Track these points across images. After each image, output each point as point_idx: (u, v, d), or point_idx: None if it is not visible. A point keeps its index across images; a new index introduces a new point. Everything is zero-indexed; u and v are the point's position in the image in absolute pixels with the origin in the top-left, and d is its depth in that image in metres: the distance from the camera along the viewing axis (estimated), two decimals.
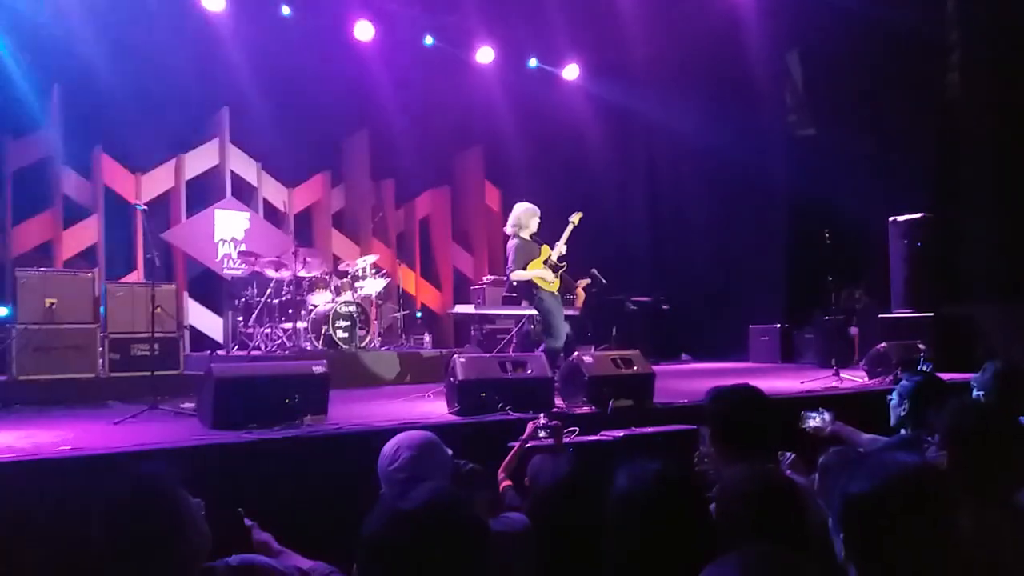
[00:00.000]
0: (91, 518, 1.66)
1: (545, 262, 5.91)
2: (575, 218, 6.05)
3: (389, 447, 2.35)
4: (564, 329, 5.85)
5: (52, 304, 6.61)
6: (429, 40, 10.00)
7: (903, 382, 3.24)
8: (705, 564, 1.21)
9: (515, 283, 5.97)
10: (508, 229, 6.03)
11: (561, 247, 5.97)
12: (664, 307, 10.09)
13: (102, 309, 7.02)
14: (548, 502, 1.95)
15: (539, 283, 5.87)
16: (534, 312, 7.18)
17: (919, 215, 7.91)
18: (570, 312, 7.38)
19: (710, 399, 2.45)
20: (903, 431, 3.14)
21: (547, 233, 6.13)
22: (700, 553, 1.42)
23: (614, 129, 11.22)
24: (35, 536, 3.01)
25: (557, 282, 5.97)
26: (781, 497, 1.71)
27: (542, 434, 3.46)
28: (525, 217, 5.96)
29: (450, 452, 2.41)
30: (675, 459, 2.10)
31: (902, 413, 3.14)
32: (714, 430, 2.37)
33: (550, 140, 10.88)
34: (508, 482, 3.09)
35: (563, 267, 6.00)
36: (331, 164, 10.43)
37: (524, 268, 5.87)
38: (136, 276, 8.44)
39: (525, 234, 5.95)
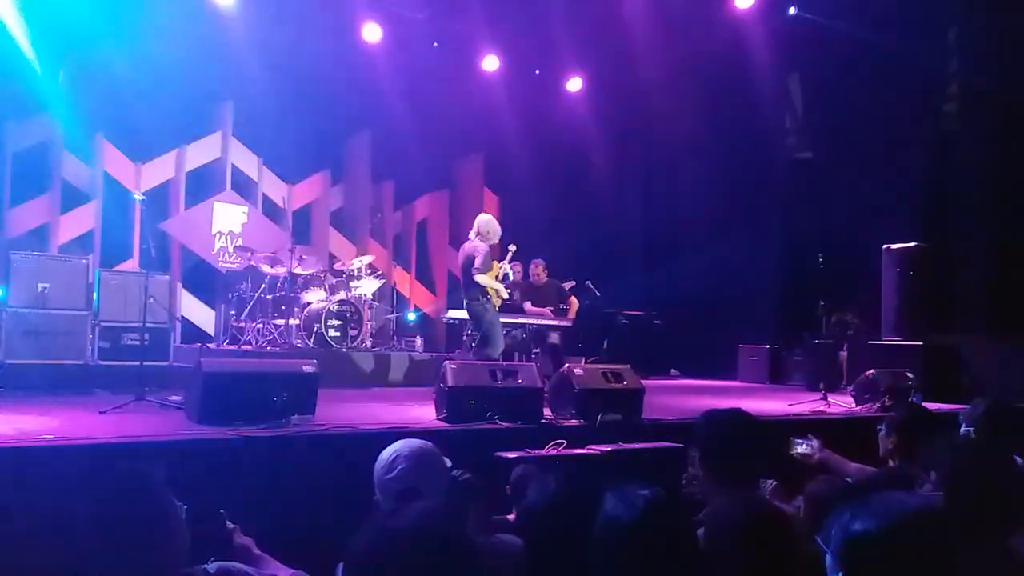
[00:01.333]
0: (74, 512, 1.65)
1: (496, 277, 6.10)
2: (512, 247, 6.32)
3: (387, 454, 2.25)
4: (502, 343, 6.05)
5: (44, 288, 6.59)
6: (436, 45, 10.03)
7: (892, 413, 3.25)
8: None
9: (479, 284, 6.03)
10: (475, 235, 6.11)
11: (507, 267, 6.20)
12: (656, 322, 10.12)
13: (95, 296, 6.99)
14: (536, 518, 1.94)
15: (493, 295, 6.02)
16: (526, 321, 7.24)
17: (912, 244, 7.96)
18: (563, 323, 7.41)
19: (702, 422, 2.45)
20: (891, 463, 3.16)
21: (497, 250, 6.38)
22: None
23: (613, 144, 11.28)
24: (14, 525, 2.98)
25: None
26: (770, 529, 1.71)
27: None
28: (492, 230, 6.11)
29: (448, 463, 2.33)
30: (662, 478, 2.09)
31: (890, 445, 3.16)
32: (704, 454, 2.36)
33: (550, 151, 10.91)
34: None
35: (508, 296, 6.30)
36: (332, 163, 10.42)
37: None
38: (131, 264, 8.39)
39: (489, 244, 6.10)
